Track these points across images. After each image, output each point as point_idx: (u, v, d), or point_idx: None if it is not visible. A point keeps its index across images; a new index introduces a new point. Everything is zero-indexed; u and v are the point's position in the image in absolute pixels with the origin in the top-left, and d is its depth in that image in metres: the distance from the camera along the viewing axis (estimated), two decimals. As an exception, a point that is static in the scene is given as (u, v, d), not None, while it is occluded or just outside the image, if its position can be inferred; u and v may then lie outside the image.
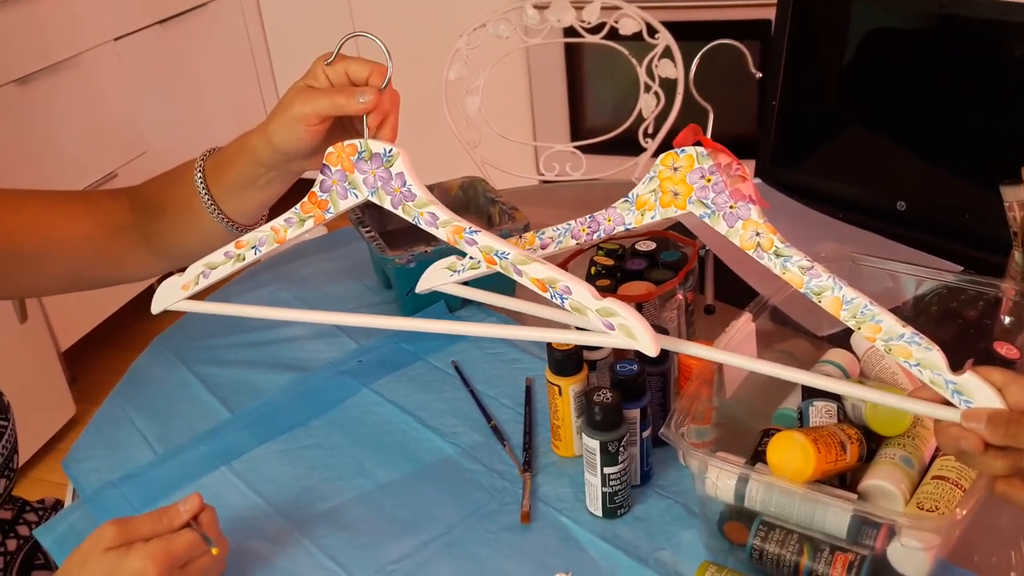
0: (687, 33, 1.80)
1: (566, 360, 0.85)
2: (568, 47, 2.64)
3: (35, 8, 2.23)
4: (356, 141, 0.74)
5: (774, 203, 1.25)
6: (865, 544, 0.67)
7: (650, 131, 1.80)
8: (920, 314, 0.89)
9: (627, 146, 1.83)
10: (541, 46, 2.05)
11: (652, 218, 0.71)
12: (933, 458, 0.74)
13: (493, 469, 0.89)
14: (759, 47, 2.30)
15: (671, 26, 1.74)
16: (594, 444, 0.78)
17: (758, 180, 1.36)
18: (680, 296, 0.96)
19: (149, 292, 0.87)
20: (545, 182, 1.96)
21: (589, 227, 0.75)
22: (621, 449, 0.78)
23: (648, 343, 0.67)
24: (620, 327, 0.67)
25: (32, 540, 1.02)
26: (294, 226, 0.78)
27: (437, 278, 0.81)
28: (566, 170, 1.94)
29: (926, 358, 0.64)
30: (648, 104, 1.78)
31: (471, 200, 1.25)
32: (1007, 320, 0.87)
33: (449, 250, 0.75)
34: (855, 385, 0.71)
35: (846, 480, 0.74)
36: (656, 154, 1.72)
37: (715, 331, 0.82)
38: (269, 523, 0.85)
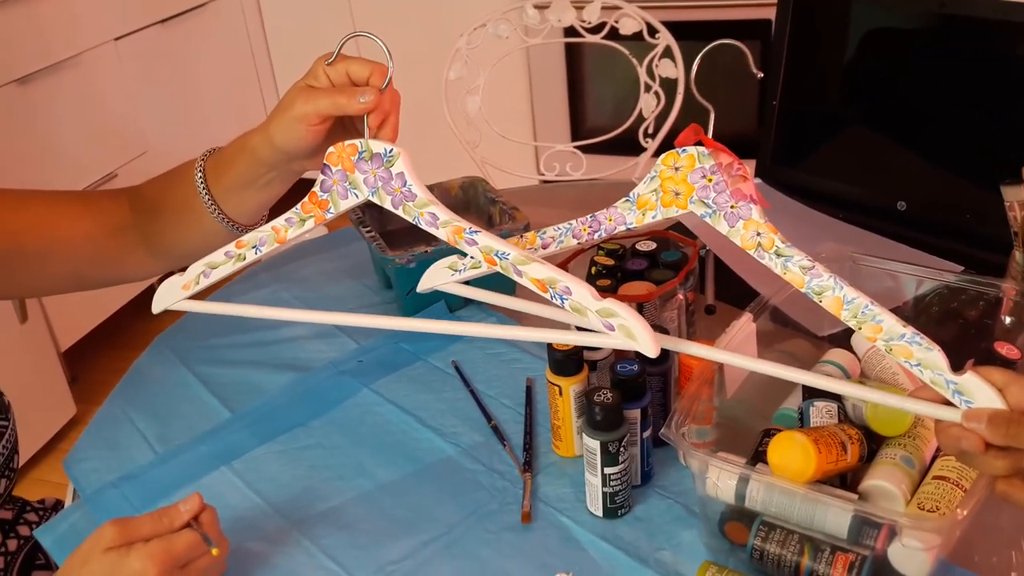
0: (687, 33, 1.80)
1: (566, 360, 0.85)
2: (568, 47, 2.63)
3: (35, 8, 2.23)
4: (357, 141, 0.74)
5: (775, 203, 1.25)
6: (866, 544, 0.67)
7: (650, 131, 1.80)
8: (921, 314, 0.89)
9: (627, 146, 1.83)
10: (541, 46, 2.05)
11: (653, 218, 0.71)
12: (934, 458, 0.74)
13: (493, 469, 0.89)
14: (759, 47, 2.30)
15: (671, 26, 1.74)
16: (595, 444, 0.78)
17: (759, 180, 1.36)
18: (680, 296, 0.96)
19: (149, 292, 0.87)
20: (545, 182, 1.96)
21: (590, 227, 0.75)
22: (622, 449, 0.78)
23: (648, 344, 0.67)
24: (620, 328, 0.67)
25: (32, 540, 1.02)
26: (295, 226, 0.78)
27: (438, 277, 0.81)
28: (566, 170, 1.94)
29: (927, 358, 0.64)
30: (648, 104, 1.78)
31: (471, 200, 1.25)
32: (1008, 320, 0.87)
33: (449, 250, 0.75)
34: (856, 385, 0.71)
35: (847, 480, 0.74)
36: (656, 154, 1.72)
37: (716, 331, 0.82)
38: (269, 523, 0.85)
